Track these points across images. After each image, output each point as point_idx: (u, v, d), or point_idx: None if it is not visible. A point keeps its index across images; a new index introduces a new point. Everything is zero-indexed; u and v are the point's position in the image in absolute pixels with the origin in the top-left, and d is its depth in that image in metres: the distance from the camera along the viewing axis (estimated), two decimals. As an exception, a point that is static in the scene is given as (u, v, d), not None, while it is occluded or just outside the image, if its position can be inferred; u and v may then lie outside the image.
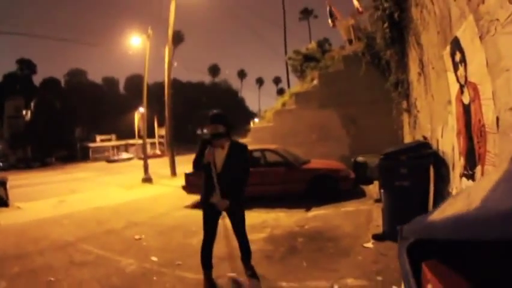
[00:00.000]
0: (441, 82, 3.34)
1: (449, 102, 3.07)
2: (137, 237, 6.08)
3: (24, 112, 60.54)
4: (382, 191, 4.45)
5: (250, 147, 8.76)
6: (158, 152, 49.27)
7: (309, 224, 5.67)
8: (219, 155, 3.60)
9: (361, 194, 7.44)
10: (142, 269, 4.55)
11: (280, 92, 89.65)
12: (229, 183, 3.55)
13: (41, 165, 49.24)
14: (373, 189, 7.33)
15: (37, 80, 72.21)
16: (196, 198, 8.89)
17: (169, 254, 5.04)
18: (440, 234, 1.01)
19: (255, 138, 11.71)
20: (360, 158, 8.29)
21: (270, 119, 12.67)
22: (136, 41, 17.83)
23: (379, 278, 3.30)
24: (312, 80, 12.10)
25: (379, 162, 4.35)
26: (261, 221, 6.16)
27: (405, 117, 7.41)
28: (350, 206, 6.54)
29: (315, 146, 9.95)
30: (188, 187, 8.80)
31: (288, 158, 7.98)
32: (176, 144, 28.76)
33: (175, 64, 18.54)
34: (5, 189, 10.62)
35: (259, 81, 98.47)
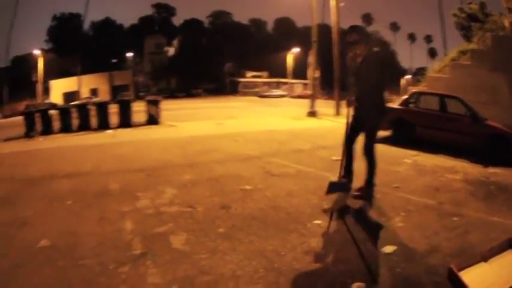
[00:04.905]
0: None
1: None
2: (334, 158, 5.71)
3: (166, 49, 65.20)
4: None
5: (436, 91, 7.57)
6: (310, 92, 48.86)
7: (493, 177, 5.58)
8: (356, 63, 3.90)
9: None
10: (362, 188, 4.42)
11: (431, 51, 77.37)
12: (362, 90, 3.83)
13: (186, 96, 51.13)
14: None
15: (177, 21, 75.33)
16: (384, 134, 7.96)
17: (383, 177, 4.58)
18: None
19: (430, 87, 11.43)
20: None
21: (446, 71, 12.37)
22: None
23: None
24: (480, 40, 12.06)
25: None
26: (451, 166, 6.18)
27: None
28: (520, 172, 6.20)
29: (482, 107, 9.11)
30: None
31: (475, 110, 7.79)
32: (327, 88, 27.51)
33: (342, 4, 16.92)
34: (157, 107, 11.20)
35: (411, 38, 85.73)
